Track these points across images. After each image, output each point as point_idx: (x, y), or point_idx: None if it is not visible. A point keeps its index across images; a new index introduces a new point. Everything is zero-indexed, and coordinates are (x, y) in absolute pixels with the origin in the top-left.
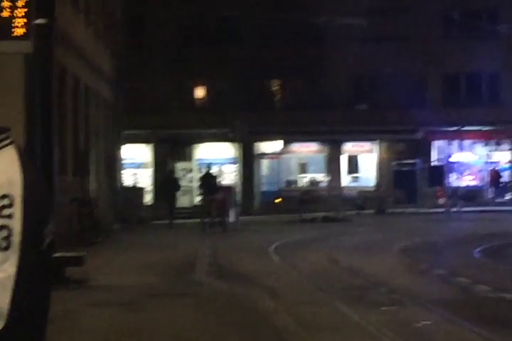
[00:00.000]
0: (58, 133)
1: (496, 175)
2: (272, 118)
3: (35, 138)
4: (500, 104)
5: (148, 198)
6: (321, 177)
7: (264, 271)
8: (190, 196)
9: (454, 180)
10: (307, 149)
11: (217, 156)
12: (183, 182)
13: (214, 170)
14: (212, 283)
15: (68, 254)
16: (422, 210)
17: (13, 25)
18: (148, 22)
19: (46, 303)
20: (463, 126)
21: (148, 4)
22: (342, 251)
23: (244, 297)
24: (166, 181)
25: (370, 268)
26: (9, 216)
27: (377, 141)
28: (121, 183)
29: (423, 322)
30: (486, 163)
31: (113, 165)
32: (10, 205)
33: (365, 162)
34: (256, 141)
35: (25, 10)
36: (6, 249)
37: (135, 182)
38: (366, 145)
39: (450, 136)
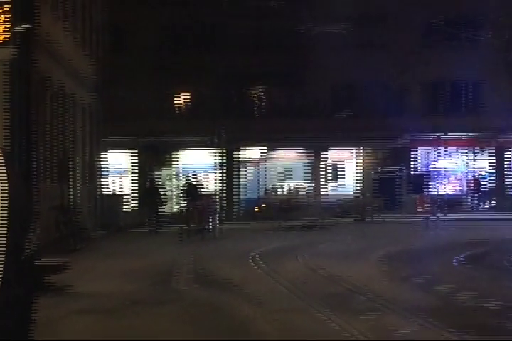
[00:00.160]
0: (38, 141)
1: (476, 182)
2: (253, 126)
3: (14, 145)
4: (481, 111)
5: (128, 206)
6: (302, 185)
7: (244, 279)
8: (170, 203)
9: (435, 188)
10: (288, 156)
11: (198, 163)
12: (164, 189)
13: (196, 178)
14: (191, 290)
15: (48, 262)
16: (402, 218)
17: None
18: (129, 29)
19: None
20: (444, 134)
21: (129, 12)
22: (322, 258)
23: (224, 305)
24: (149, 189)
25: (350, 275)
26: None
27: (359, 149)
28: (102, 191)
29: (403, 330)
30: (467, 170)
31: (93, 172)
32: None
33: (346, 169)
34: (237, 148)
35: (6, 17)
36: None
37: (115, 190)
38: (347, 152)
39: (431, 144)
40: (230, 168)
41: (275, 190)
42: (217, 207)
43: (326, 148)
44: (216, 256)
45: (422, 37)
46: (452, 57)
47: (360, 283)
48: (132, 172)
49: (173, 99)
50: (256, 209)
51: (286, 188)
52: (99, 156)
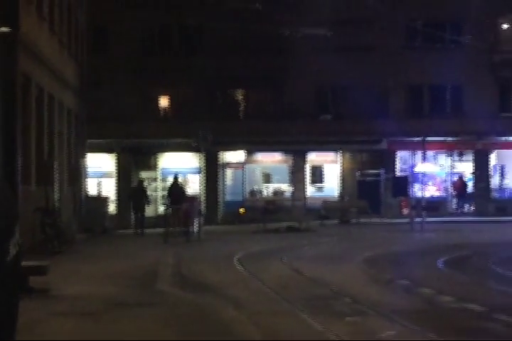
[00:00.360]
0: (22, 143)
1: (461, 184)
2: (235, 128)
3: None
4: (464, 115)
5: (112, 208)
6: (285, 187)
7: (228, 281)
8: (154, 205)
9: (418, 191)
10: (271, 159)
11: (181, 166)
12: (148, 192)
13: (181, 180)
14: (175, 293)
15: (31, 264)
16: (386, 220)
17: None
18: (112, 31)
19: (13, 314)
20: (426, 137)
21: (112, 14)
22: (306, 261)
23: (208, 307)
24: (135, 191)
25: (334, 278)
26: None
27: (341, 152)
28: (86, 193)
29: (387, 333)
30: (450, 173)
31: (77, 174)
32: None
33: (329, 172)
34: (220, 151)
35: None
36: None
37: (99, 192)
38: (330, 155)
39: (414, 147)
40: (213, 170)
41: (259, 193)
42: (202, 208)
43: (310, 151)
44: (201, 258)
45: (405, 40)
46: (435, 60)
47: (344, 286)
48: (116, 174)
49: (155, 101)
50: (240, 211)
51: (270, 190)
52: (83, 158)
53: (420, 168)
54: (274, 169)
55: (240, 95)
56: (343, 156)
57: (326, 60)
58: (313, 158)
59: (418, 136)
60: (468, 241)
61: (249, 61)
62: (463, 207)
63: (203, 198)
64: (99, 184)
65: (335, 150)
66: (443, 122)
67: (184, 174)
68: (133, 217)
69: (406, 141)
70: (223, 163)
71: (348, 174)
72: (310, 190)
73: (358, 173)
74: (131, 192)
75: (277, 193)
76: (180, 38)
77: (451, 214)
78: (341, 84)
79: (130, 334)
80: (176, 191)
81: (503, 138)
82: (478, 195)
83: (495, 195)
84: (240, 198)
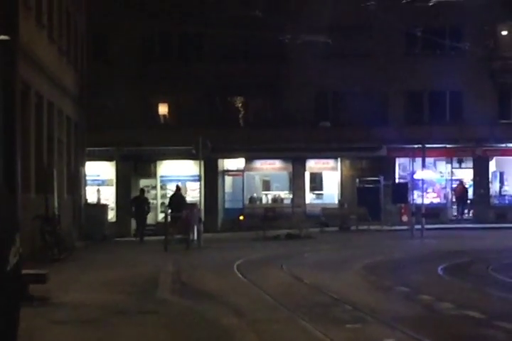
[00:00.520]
0: (21, 150)
1: (462, 189)
2: (235, 135)
3: None
4: (463, 121)
5: (111, 215)
6: (285, 195)
7: (228, 289)
8: (154, 213)
9: (418, 198)
10: (271, 166)
11: (180, 173)
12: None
13: (182, 187)
14: (175, 300)
15: (31, 271)
16: (385, 227)
17: None
18: (112, 39)
19: (14, 321)
20: (426, 144)
21: (112, 21)
22: (306, 268)
23: (208, 314)
24: (136, 199)
25: (334, 285)
26: None
27: (341, 158)
28: (85, 200)
29: (387, 340)
30: (449, 180)
31: (76, 182)
32: None
33: (328, 179)
34: (219, 158)
35: None
36: None
37: (98, 199)
38: (330, 162)
39: (413, 154)
40: (213, 178)
41: (259, 200)
42: (202, 216)
43: (309, 158)
44: (201, 266)
45: (405, 46)
46: (435, 66)
47: (344, 293)
48: (115, 182)
49: (155, 108)
50: (240, 218)
51: (270, 197)
52: (83, 166)
53: (420, 174)
54: (273, 176)
55: (239, 102)
56: (343, 163)
57: (326, 67)
58: (312, 165)
59: (418, 143)
60: (468, 247)
61: (248, 68)
62: (463, 212)
63: (202, 205)
64: (98, 191)
65: (334, 157)
66: (442, 129)
67: (183, 181)
68: (134, 224)
69: (405, 148)
70: (223, 171)
71: (348, 181)
72: (309, 197)
73: (357, 180)
74: (133, 202)
75: (277, 200)
76: (180, 45)
77: (451, 221)
78: (341, 91)
79: None
80: (176, 200)
81: (503, 145)
82: (477, 202)
83: (494, 201)
84: (239, 205)
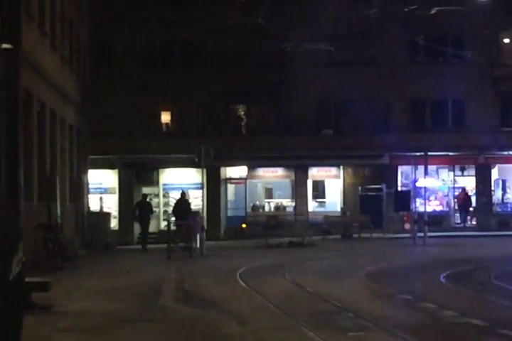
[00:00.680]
0: (24, 158)
1: (465, 196)
2: (237, 143)
3: (1, 162)
4: (466, 129)
5: (114, 223)
6: (287, 202)
7: (231, 296)
8: (156, 221)
9: (420, 205)
10: (273, 174)
11: (183, 181)
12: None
13: (187, 195)
14: (178, 308)
15: (34, 280)
16: (388, 235)
17: None
18: (113, 47)
19: (17, 330)
20: (428, 152)
21: (114, 29)
22: (308, 276)
23: (211, 322)
24: (139, 205)
25: (336, 293)
26: None
27: (343, 166)
28: (88, 208)
29: None
30: (452, 188)
31: (79, 190)
32: None
33: (331, 187)
34: (222, 166)
35: None
36: None
37: (101, 208)
38: (332, 170)
39: (415, 161)
40: (215, 186)
41: (262, 208)
42: (204, 224)
43: (312, 166)
44: (204, 273)
45: (407, 54)
46: (437, 74)
47: (347, 300)
48: (117, 190)
49: (157, 116)
50: (243, 226)
51: (272, 205)
52: (85, 173)
53: (422, 182)
54: (276, 184)
55: (241, 110)
56: (345, 171)
57: (328, 75)
58: (315, 172)
59: (420, 151)
60: (471, 255)
61: (251, 76)
62: (466, 220)
63: (205, 213)
64: (101, 200)
65: (337, 165)
66: (445, 136)
67: (186, 190)
68: (137, 231)
69: (408, 156)
70: (225, 178)
71: (350, 189)
72: (312, 205)
73: (360, 188)
74: (136, 206)
75: (279, 208)
76: (183, 53)
77: (454, 229)
78: (343, 99)
79: None
80: (181, 206)
81: (505, 153)
82: (480, 210)
83: (497, 209)
84: (242, 213)
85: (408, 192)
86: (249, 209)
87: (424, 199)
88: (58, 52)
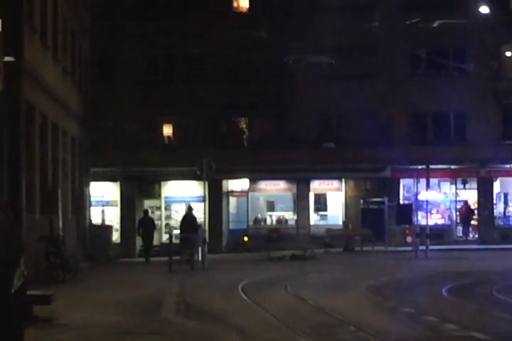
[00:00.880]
0: (26, 171)
1: (467, 210)
2: (239, 156)
3: (2, 176)
4: (467, 142)
5: (116, 236)
6: (289, 215)
7: (232, 310)
8: (158, 234)
9: (422, 219)
10: (275, 187)
11: (184, 194)
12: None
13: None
14: (180, 321)
15: (36, 293)
16: (390, 248)
17: None
18: (115, 60)
19: None
20: (430, 165)
21: (115, 42)
22: (310, 289)
23: (212, 335)
24: (141, 222)
25: (338, 306)
26: None
27: (345, 179)
28: (90, 221)
29: None
30: (454, 201)
31: (81, 202)
32: None
33: (332, 200)
34: (224, 179)
35: None
36: None
37: (103, 220)
38: (334, 183)
39: (417, 174)
40: (217, 199)
41: (263, 221)
42: (206, 237)
43: (314, 179)
44: (205, 286)
45: (409, 67)
46: (439, 87)
47: (348, 314)
48: (119, 203)
49: (159, 129)
50: (244, 239)
51: (274, 218)
52: (87, 186)
53: (424, 195)
54: (277, 197)
55: (243, 123)
56: (347, 184)
57: (330, 88)
58: (316, 185)
59: (422, 164)
60: (473, 269)
61: (252, 89)
62: (468, 233)
63: (206, 226)
64: (103, 212)
65: (339, 178)
66: (446, 150)
67: (187, 202)
68: (139, 244)
69: (410, 169)
70: (227, 191)
71: (352, 202)
72: (314, 218)
73: (361, 201)
74: (139, 223)
75: (281, 221)
76: (184, 66)
77: (456, 242)
78: (345, 112)
79: None
80: (188, 221)
81: (507, 166)
82: (482, 223)
83: (499, 222)
84: (243, 226)
85: (410, 205)
86: (251, 222)
87: (426, 213)
88: (60, 65)
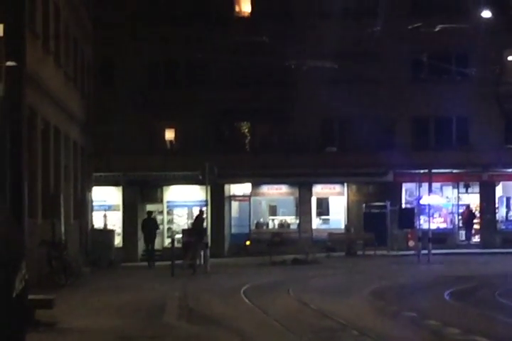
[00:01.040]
0: (28, 176)
1: (469, 214)
2: (242, 161)
3: (5, 180)
4: (470, 146)
5: (118, 241)
6: (291, 220)
7: (235, 314)
8: (160, 238)
9: (424, 223)
10: (277, 191)
11: (187, 198)
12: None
13: (189, 213)
14: (182, 325)
15: (38, 297)
16: (392, 253)
17: None
18: (117, 65)
19: None
20: (432, 169)
21: (118, 47)
22: (312, 293)
23: (215, 339)
24: (145, 222)
25: (340, 310)
26: None
27: (347, 184)
28: (92, 225)
29: None
30: (456, 205)
31: (83, 207)
32: None
33: (335, 204)
34: (226, 183)
35: None
36: None
37: (105, 225)
38: (336, 187)
39: (420, 179)
40: (219, 203)
41: (266, 225)
42: (209, 241)
43: (316, 183)
44: (207, 291)
45: (411, 72)
46: (441, 92)
47: (351, 318)
48: (121, 208)
49: (161, 134)
50: (247, 243)
51: (276, 223)
52: (89, 191)
53: (426, 199)
54: (280, 201)
55: (245, 128)
56: (349, 188)
57: (332, 93)
58: (319, 190)
59: (424, 168)
60: (475, 273)
61: (255, 94)
62: (470, 238)
63: (209, 230)
64: (105, 217)
65: (341, 182)
66: (449, 154)
67: (190, 207)
68: (142, 249)
69: (412, 173)
70: (229, 196)
71: (354, 206)
72: (316, 222)
73: (364, 205)
74: (143, 223)
75: (283, 225)
76: (186, 71)
77: (458, 246)
78: (347, 117)
79: None
80: (197, 224)
81: (509, 170)
82: (484, 227)
83: (501, 226)
84: (246, 230)
85: (412, 209)
86: (253, 227)
87: (429, 217)
88: (62, 70)
